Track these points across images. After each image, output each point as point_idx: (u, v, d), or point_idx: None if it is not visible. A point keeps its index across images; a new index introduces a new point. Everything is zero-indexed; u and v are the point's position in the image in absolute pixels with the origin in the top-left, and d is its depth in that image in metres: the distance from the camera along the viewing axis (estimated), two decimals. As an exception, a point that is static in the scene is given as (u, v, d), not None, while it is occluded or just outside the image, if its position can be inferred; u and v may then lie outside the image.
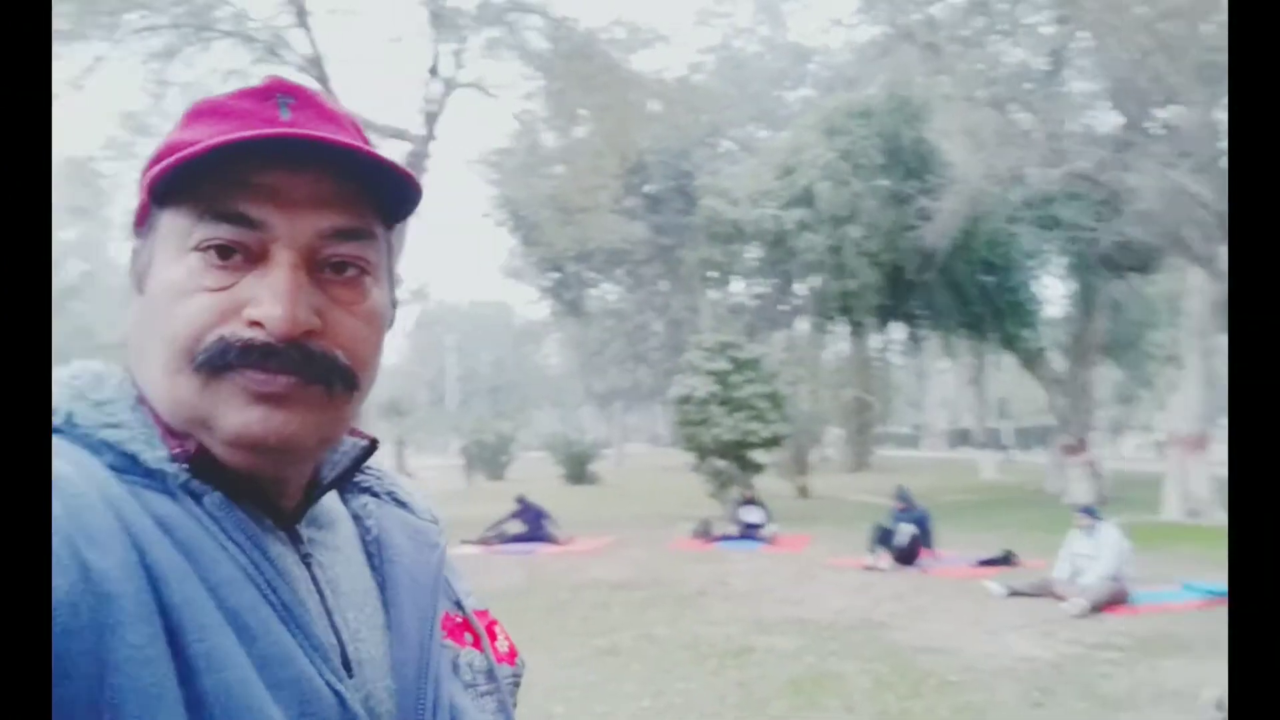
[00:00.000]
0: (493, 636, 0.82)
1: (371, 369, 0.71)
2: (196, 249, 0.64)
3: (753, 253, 21.68)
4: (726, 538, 13.04)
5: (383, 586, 0.75)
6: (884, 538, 10.52)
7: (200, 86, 13.91)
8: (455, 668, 0.76)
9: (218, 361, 0.63)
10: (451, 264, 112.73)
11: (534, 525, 13.32)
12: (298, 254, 0.65)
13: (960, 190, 15.64)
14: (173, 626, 0.56)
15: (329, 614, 0.69)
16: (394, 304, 0.76)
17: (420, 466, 29.14)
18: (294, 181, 0.65)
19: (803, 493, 21.03)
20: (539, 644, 7.10)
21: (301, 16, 13.46)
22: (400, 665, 0.71)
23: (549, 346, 54.36)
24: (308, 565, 0.70)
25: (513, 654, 0.84)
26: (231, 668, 0.58)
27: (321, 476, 0.74)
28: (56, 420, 0.63)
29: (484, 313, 58.63)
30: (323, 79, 13.67)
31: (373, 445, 0.78)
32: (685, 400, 16.10)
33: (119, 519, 0.58)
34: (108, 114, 13.62)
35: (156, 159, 0.67)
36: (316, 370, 0.65)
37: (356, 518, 0.79)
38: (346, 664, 0.67)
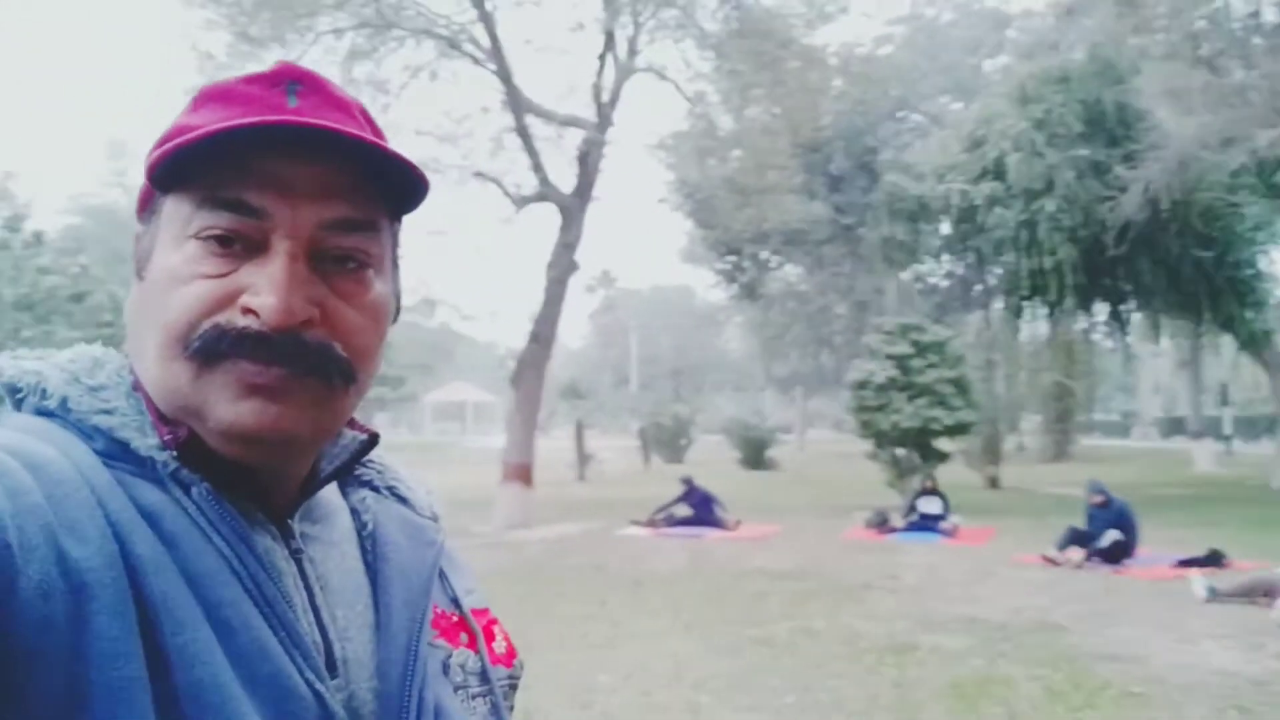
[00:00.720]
0: (490, 637, 0.80)
1: (371, 362, 0.69)
2: (196, 236, 0.64)
3: (940, 230, 20.74)
4: (902, 529, 12.55)
5: (375, 584, 0.73)
6: (1077, 540, 9.77)
7: (389, 83, 14.61)
8: (446, 668, 0.74)
9: (211, 350, 0.62)
10: (634, 249, 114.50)
11: (701, 509, 13.28)
12: (298, 244, 0.64)
13: (1169, 156, 14.31)
14: (149, 619, 0.56)
15: (316, 611, 0.68)
16: (398, 297, 0.75)
17: (601, 448, 29.69)
18: (297, 170, 0.64)
19: (992, 483, 20.02)
20: (693, 630, 7.04)
21: (482, 8, 13.84)
22: (386, 665, 0.69)
23: (730, 330, 54.16)
24: (297, 560, 0.69)
25: (511, 655, 0.82)
26: (206, 663, 0.57)
27: (319, 469, 0.73)
28: (51, 404, 0.64)
29: (666, 297, 59.07)
30: (504, 71, 14.04)
31: (373, 439, 0.77)
32: (863, 385, 15.58)
33: (101, 507, 0.58)
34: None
35: (160, 143, 0.66)
36: (312, 362, 0.64)
37: (354, 511, 0.78)
38: (332, 662, 0.67)
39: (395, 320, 0.75)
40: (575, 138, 15.03)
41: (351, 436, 0.76)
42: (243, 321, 0.62)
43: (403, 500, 0.83)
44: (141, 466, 0.63)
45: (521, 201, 15.19)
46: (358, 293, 0.67)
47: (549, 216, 15.88)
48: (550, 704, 5.31)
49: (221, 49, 13.10)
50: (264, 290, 0.62)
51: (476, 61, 14.33)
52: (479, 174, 15.20)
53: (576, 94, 15.73)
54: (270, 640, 0.62)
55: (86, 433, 0.64)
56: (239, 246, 0.64)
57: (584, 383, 32.94)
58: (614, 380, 52.82)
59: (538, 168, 14.75)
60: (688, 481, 13.78)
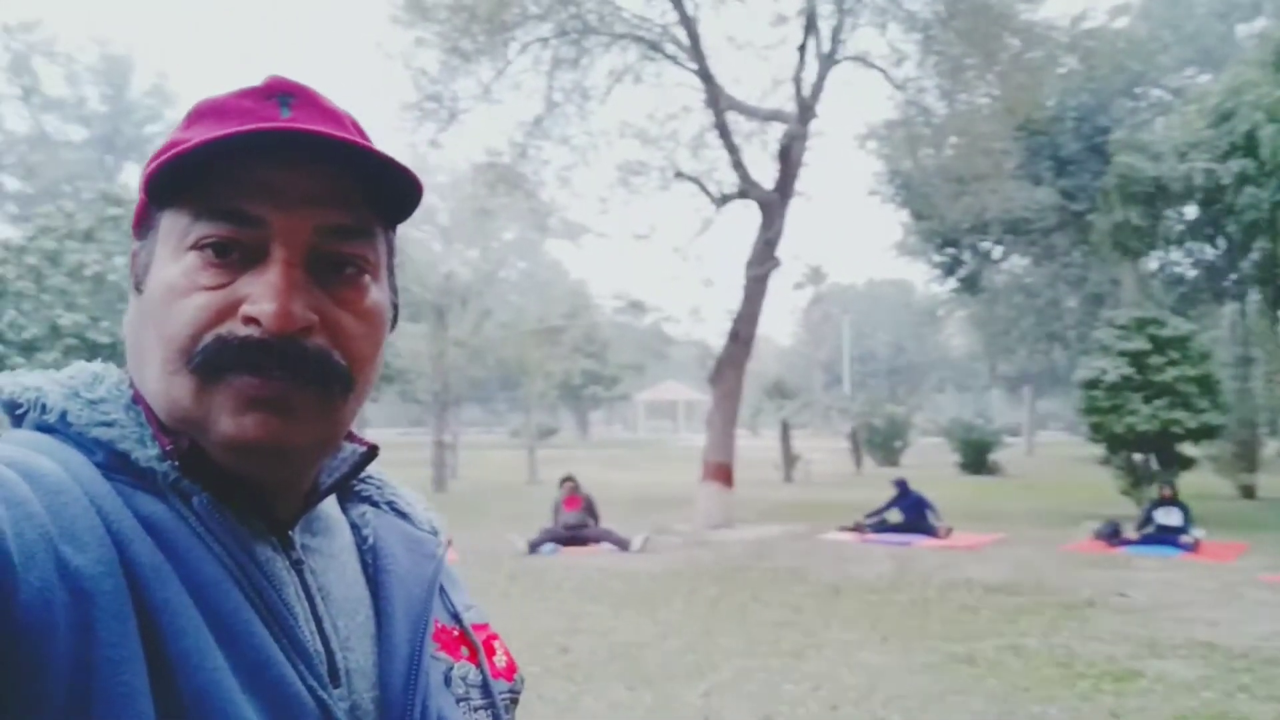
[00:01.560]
0: (490, 651, 0.81)
1: (370, 368, 0.70)
2: (194, 247, 0.65)
3: (1184, 215, 18.90)
4: (1136, 541, 11.47)
5: (376, 596, 0.74)
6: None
7: (593, 90, 14.92)
8: (447, 680, 0.75)
9: (214, 363, 0.63)
10: (846, 243, 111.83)
11: (913, 514, 12.70)
12: (295, 251, 0.65)
13: None
14: (150, 627, 0.56)
15: (318, 621, 0.68)
16: (394, 304, 0.75)
17: (810, 449, 29.14)
18: (292, 179, 0.65)
19: (1247, 493, 18.01)
20: (891, 643, 6.70)
21: (682, 10, 13.87)
22: (389, 676, 0.70)
23: (951, 326, 51.78)
24: (299, 571, 0.69)
25: (511, 669, 0.83)
26: (208, 670, 0.57)
27: (319, 482, 0.74)
28: (51, 419, 0.65)
29: (881, 292, 57.36)
30: (705, 70, 14.02)
31: (372, 451, 0.77)
32: (1093, 385, 14.40)
33: (101, 517, 0.58)
34: (516, 122, 14.94)
35: (154, 158, 0.67)
36: (313, 370, 0.64)
37: (354, 526, 0.78)
38: (334, 672, 0.67)
39: (393, 327, 0.75)
40: (777, 132, 14.77)
41: (351, 449, 0.76)
42: (244, 331, 0.63)
43: (402, 515, 0.83)
44: (142, 478, 0.64)
45: (722, 200, 15.11)
46: (355, 299, 0.68)
47: (750, 214, 15.71)
48: (732, 712, 5.19)
49: (434, 65, 13.84)
50: (263, 298, 0.63)
51: (677, 62, 14.38)
52: (680, 174, 15.24)
53: (778, 88, 15.47)
54: (273, 649, 0.62)
55: (87, 446, 0.64)
56: (236, 256, 0.64)
57: (793, 382, 32.47)
58: (826, 379, 51.81)
59: (738, 165, 14.62)
60: (901, 484, 13.20)
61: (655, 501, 17.42)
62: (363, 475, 0.82)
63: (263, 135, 0.63)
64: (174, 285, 0.64)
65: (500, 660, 0.82)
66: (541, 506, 12.49)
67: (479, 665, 0.79)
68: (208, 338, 0.63)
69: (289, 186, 0.65)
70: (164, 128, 46.17)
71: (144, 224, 0.70)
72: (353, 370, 0.68)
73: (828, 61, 14.58)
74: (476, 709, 0.76)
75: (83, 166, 40.13)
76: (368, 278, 0.69)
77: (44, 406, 0.66)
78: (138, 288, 0.69)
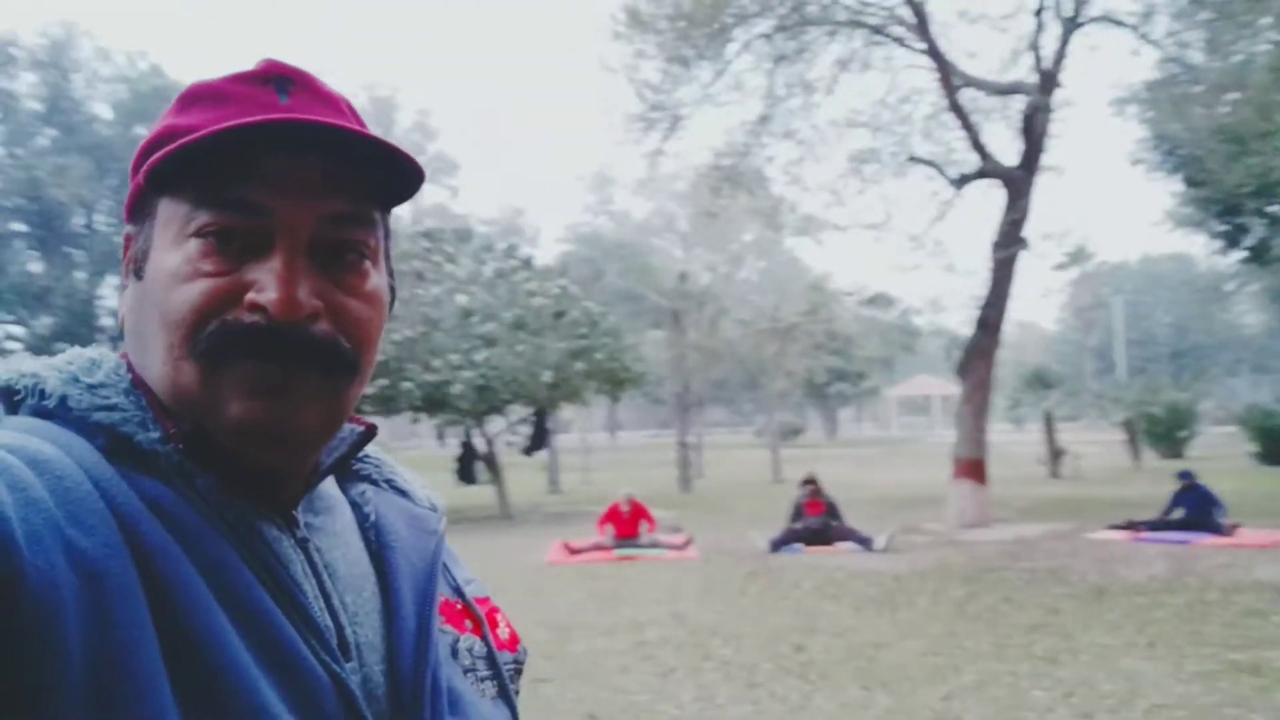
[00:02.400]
0: (493, 624, 0.82)
1: (373, 352, 0.71)
2: (196, 234, 0.65)
3: None
4: None
5: (381, 572, 0.75)
6: None
7: (817, 81, 14.67)
8: (454, 653, 0.76)
9: (220, 349, 0.63)
10: (1110, 218, 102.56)
11: (1197, 510, 11.47)
12: (299, 239, 0.65)
13: None
14: (162, 607, 0.56)
15: (326, 598, 0.69)
16: (392, 288, 0.76)
17: (1081, 441, 27.13)
18: (295, 167, 0.65)
19: None
20: (1158, 649, 6.11)
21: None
22: (398, 649, 0.70)
23: (1243, 301, 46.43)
24: (304, 550, 0.70)
25: (514, 641, 0.84)
26: (222, 648, 0.58)
27: (319, 462, 0.74)
28: (50, 404, 0.65)
29: (1158, 269, 52.38)
30: (935, 49, 13.42)
31: (370, 431, 0.78)
32: None
33: (106, 500, 0.58)
34: (739, 122, 14.96)
35: (151, 144, 0.68)
36: (319, 356, 0.65)
37: (355, 505, 0.79)
38: (345, 647, 0.68)
39: (390, 311, 0.75)
40: (1019, 106, 13.88)
41: (350, 429, 0.77)
42: (250, 318, 0.63)
43: (401, 493, 0.84)
44: (145, 461, 0.63)
45: (961, 181, 14.39)
46: (358, 284, 0.69)
47: (993, 194, 14.85)
48: (973, 716, 4.93)
49: (656, 75, 14.12)
50: (269, 286, 0.63)
51: (904, 44, 13.86)
52: (913, 158, 14.67)
53: (1018, 59, 14.50)
54: (285, 625, 0.62)
55: (88, 431, 0.64)
56: (239, 243, 0.65)
57: (1060, 370, 30.30)
58: (1099, 366, 47.97)
59: (977, 143, 13.86)
60: (1186, 476, 11.89)
61: (905, 501, 16.84)
62: (361, 454, 0.82)
63: (271, 126, 0.63)
64: (176, 272, 0.65)
65: (503, 632, 0.83)
66: (785, 506, 12.40)
67: (483, 637, 0.80)
68: (213, 324, 0.64)
69: (292, 175, 0.65)
70: (425, 161, 49.88)
71: (139, 209, 0.70)
72: (357, 354, 0.68)
73: (1070, 25, 13.53)
74: (483, 679, 0.77)
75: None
76: (368, 263, 0.70)
77: (42, 392, 0.65)
78: (137, 273, 0.69)
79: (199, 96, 0.69)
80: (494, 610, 0.84)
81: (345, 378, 0.68)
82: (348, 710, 0.64)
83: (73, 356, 0.69)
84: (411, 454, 32.35)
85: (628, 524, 11.84)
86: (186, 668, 0.56)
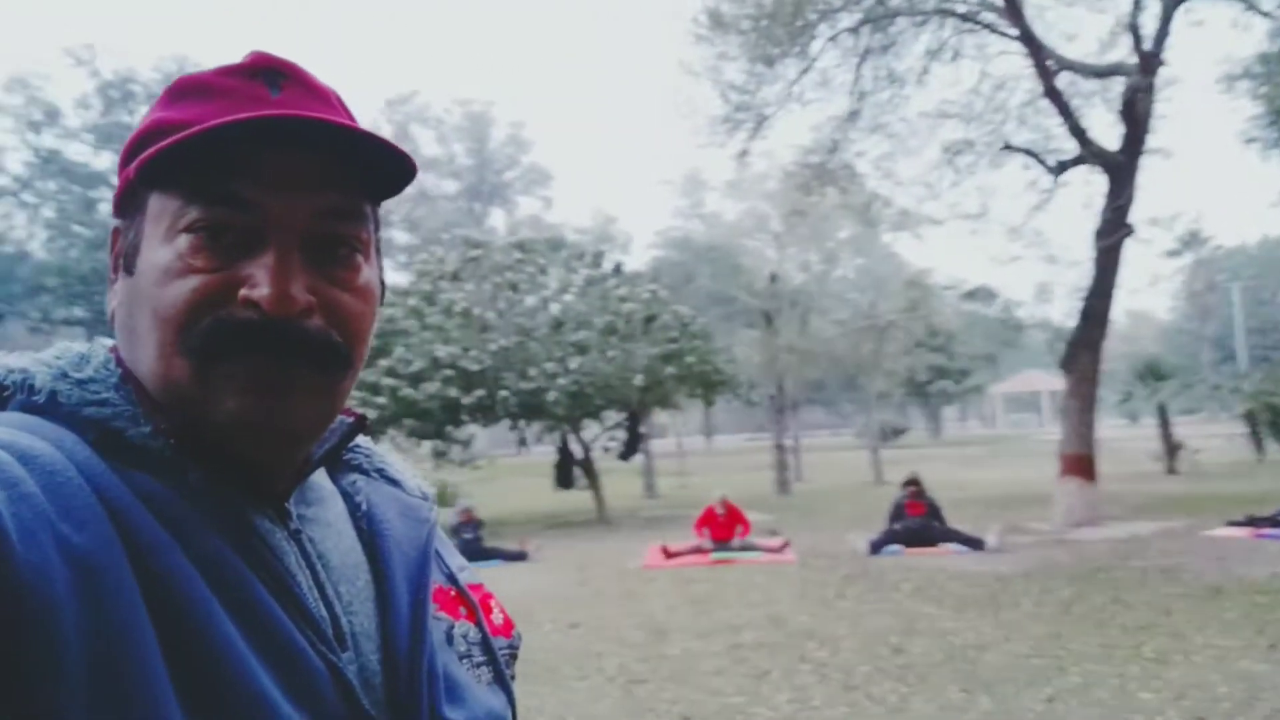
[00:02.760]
0: (487, 610, 0.82)
1: (365, 346, 0.71)
2: (188, 230, 0.64)
3: None
4: None
5: (374, 560, 0.75)
6: None
7: (905, 73, 14.40)
8: (449, 639, 0.76)
9: (214, 345, 0.63)
10: (1224, 201, 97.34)
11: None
12: (292, 235, 0.65)
13: None
14: (158, 600, 0.56)
15: (320, 588, 0.69)
16: (382, 282, 0.76)
17: (1201, 435, 25.88)
18: (288, 162, 0.65)
19: None
20: (1277, 652, 5.80)
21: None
22: (393, 637, 0.70)
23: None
24: (297, 541, 0.70)
25: (508, 626, 0.84)
26: (220, 639, 0.58)
27: (311, 454, 0.74)
28: (39, 400, 0.64)
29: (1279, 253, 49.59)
30: (1028, 33, 13.03)
31: (360, 422, 0.78)
32: None
33: (98, 494, 0.58)
34: (825, 118, 14.72)
35: (140, 137, 0.68)
36: (313, 352, 0.65)
37: (346, 495, 0.79)
38: (340, 636, 0.68)
39: (381, 303, 0.75)
40: (1119, 88, 13.36)
41: (340, 420, 0.76)
42: (243, 314, 0.63)
43: (393, 482, 0.83)
44: (136, 456, 0.63)
45: (1059, 168, 13.93)
46: (350, 279, 0.68)
47: (1094, 181, 14.30)
48: (1078, 718, 4.77)
49: (740, 76, 14.07)
50: (262, 281, 0.63)
51: (996, 30, 13.49)
52: (1009, 147, 14.28)
53: (1116, 39, 13.97)
54: (280, 615, 0.62)
55: (78, 426, 0.63)
56: (232, 238, 0.64)
57: (1173, 360, 28.98)
58: (1217, 356, 45.70)
59: (1076, 129, 13.40)
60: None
61: (1010, 500, 16.36)
62: (351, 445, 0.81)
63: (266, 121, 0.63)
64: (168, 268, 0.64)
65: (498, 618, 0.83)
66: (885, 508, 12.20)
67: (477, 623, 0.79)
68: (205, 320, 0.63)
69: (285, 170, 0.65)
70: (520, 173, 50.91)
71: (128, 203, 0.70)
72: (350, 348, 0.68)
73: (1171, 1, 12.98)
74: (478, 665, 0.77)
75: (456, 215, 45.30)
76: (360, 257, 0.70)
77: (31, 388, 0.65)
78: (127, 269, 0.69)
79: (188, 90, 0.69)
80: (487, 596, 0.84)
81: (339, 373, 0.68)
82: (345, 699, 0.64)
83: (61, 351, 0.68)
84: (511, 461, 32.92)
85: (723, 527, 11.82)
86: (185, 659, 0.56)
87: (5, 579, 0.49)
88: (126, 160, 0.69)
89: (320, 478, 0.78)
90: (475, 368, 15.34)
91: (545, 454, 21.43)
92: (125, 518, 0.58)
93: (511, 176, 50.81)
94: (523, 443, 19.51)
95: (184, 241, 0.64)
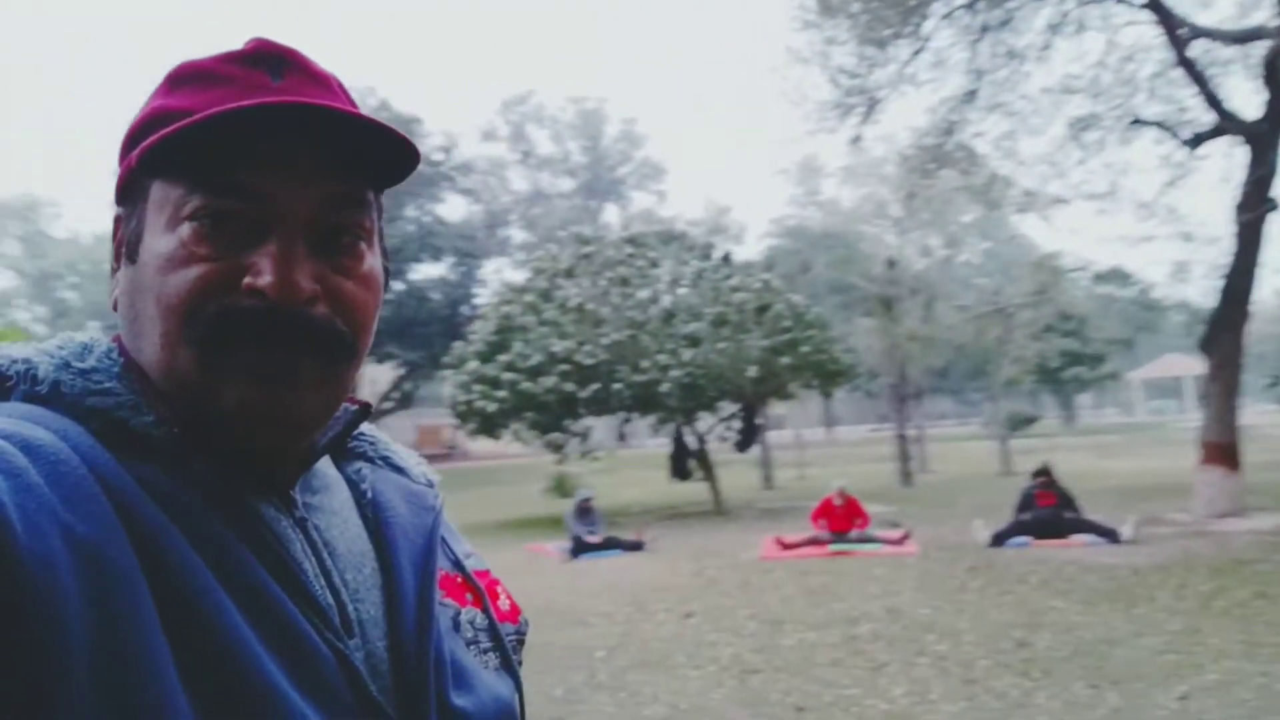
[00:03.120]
0: (494, 596, 0.83)
1: (369, 334, 0.71)
2: (190, 218, 0.64)
3: None
4: None
5: (380, 548, 0.75)
6: None
7: (1025, 49, 13.85)
8: (456, 625, 0.77)
9: (219, 335, 0.63)
10: None
11: None
12: (296, 223, 0.65)
13: None
14: (163, 589, 0.56)
15: (326, 575, 0.69)
16: (386, 269, 0.76)
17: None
18: (291, 149, 0.65)
19: None
20: None
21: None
22: (400, 624, 0.70)
23: None
24: (302, 528, 0.70)
25: (515, 612, 0.84)
26: (226, 627, 0.57)
27: (315, 442, 0.73)
28: (42, 390, 0.64)
29: None
30: (1157, 3, 12.37)
31: (364, 410, 0.78)
32: None
33: (102, 484, 0.57)
34: (939, 100, 14.26)
35: (141, 124, 0.69)
36: (318, 340, 0.65)
37: (351, 482, 0.79)
38: (347, 624, 0.68)
39: (385, 291, 0.75)
40: (1260, 54, 12.54)
41: (344, 408, 0.76)
42: (248, 302, 0.63)
43: (398, 469, 0.84)
44: (140, 446, 0.63)
45: (1194, 141, 13.17)
46: (354, 267, 0.69)
47: (1233, 154, 13.44)
48: (1213, 717, 4.55)
49: (850, 59, 13.78)
50: (267, 270, 0.63)
51: (1121, 0, 12.85)
52: (1138, 121, 13.57)
53: (1258, 2, 13.08)
54: (286, 603, 0.62)
55: (81, 416, 0.63)
56: (236, 227, 0.64)
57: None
58: None
59: (1212, 99, 12.65)
60: None
61: (1148, 490, 15.58)
62: (356, 433, 0.81)
63: (270, 109, 0.62)
64: (172, 256, 0.64)
65: (504, 604, 0.83)
66: (1013, 499, 11.80)
67: (484, 609, 0.79)
68: (210, 309, 0.63)
69: (289, 158, 0.65)
70: (633, 168, 51.19)
71: (129, 191, 0.70)
72: (355, 337, 0.68)
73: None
74: (485, 651, 0.77)
75: (572, 213, 45.88)
76: (364, 245, 0.69)
77: (34, 378, 0.64)
78: (130, 257, 0.69)
79: (188, 77, 0.68)
80: (494, 583, 0.84)
81: (344, 361, 0.68)
82: (352, 686, 0.64)
83: (64, 341, 0.68)
84: (629, 453, 33.20)
85: (841, 519, 11.66)
86: (191, 648, 0.55)
87: (10, 570, 0.49)
88: (128, 148, 0.69)
89: (325, 465, 0.78)
90: (590, 361, 15.52)
91: (662, 446, 21.53)
92: (129, 507, 0.58)
93: (625, 172, 51.10)
94: (621, 437, 19.56)
95: (187, 230, 0.64)
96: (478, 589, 0.81)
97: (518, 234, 44.85)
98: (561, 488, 19.23)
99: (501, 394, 15.78)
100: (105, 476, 0.58)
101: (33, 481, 0.54)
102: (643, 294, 16.83)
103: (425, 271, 36.67)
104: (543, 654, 6.65)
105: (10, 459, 0.54)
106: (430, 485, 0.85)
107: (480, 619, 0.79)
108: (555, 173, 50.16)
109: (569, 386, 15.58)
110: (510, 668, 0.78)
